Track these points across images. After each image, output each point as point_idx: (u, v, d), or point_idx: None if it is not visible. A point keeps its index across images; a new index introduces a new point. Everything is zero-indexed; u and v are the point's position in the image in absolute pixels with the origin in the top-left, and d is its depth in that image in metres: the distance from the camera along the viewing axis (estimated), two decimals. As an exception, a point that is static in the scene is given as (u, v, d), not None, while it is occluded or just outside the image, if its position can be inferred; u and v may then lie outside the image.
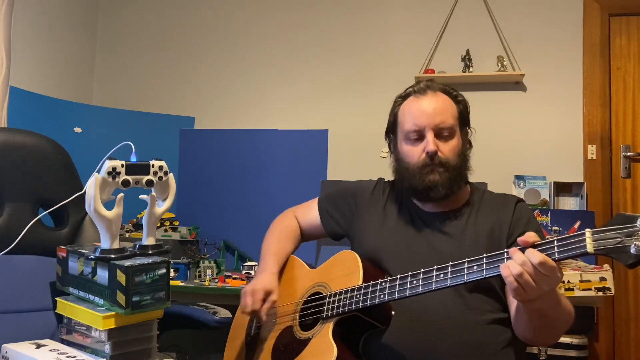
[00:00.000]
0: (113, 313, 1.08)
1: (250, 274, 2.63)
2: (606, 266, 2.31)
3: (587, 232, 0.97)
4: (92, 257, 1.11)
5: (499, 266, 1.06)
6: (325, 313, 1.30)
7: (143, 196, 1.16)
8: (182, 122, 3.56)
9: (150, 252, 1.16)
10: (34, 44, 3.22)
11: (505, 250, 1.08)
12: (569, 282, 2.24)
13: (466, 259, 1.12)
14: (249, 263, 2.73)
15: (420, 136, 1.38)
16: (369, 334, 1.29)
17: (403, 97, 1.45)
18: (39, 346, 1.11)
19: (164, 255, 1.17)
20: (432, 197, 1.36)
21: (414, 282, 1.18)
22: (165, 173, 1.16)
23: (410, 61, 3.36)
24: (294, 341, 1.34)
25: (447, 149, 1.37)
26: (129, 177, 1.11)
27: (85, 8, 3.76)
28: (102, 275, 1.10)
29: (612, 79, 3.20)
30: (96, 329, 1.09)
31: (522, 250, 1.04)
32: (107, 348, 1.08)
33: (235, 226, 3.18)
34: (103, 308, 1.10)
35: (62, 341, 1.18)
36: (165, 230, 2.91)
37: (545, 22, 3.28)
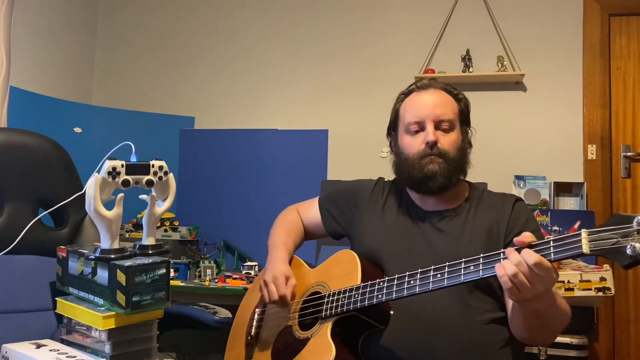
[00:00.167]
0: (113, 313, 1.08)
1: (250, 274, 2.64)
2: (606, 266, 2.31)
3: (584, 233, 0.97)
4: (92, 257, 1.12)
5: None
6: (324, 313, 1.31)
7: (143, 196, 1.16)
8: (182, 122, 3.56)
9: (150, 252, 1.16)
10: (34, 44, 3.22)
11: (502, 250, 1.08)
12: (569, 282, 2.25)
13: (463, 259, 1.13)
14: (249, 263, 2.74)
15: (420, 128, 1.39)
16: (367, 334, 1.29)
17: (406, 93, 1.48)
18: (39, 346, 1.11)
19: (164, 255, 1.17)
20: (431, 186, 1.37)
21: (412, 282, 1.18)
22: (165, 173, 1.16)
23: (410, 61, 3.36)
24: (293, 341, 1.34)
25: (447, 141, 1.38)
26: (129, 177, 1.11)
27: (85, 8, 3.76)
28: (102, 275, 1.10)
29: (612, 79, 3.21)
30: (96, 329, 1.09)
31: (518, 250, 1.04)
32: (107, 348, 1.08)
33: (235, 226, 3.18)
34: (103, 308, 1.10)
35: (62, 341, 1.18)
36: (165, 230, 2.91)
37: (545, 22, 3.28)
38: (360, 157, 3.36)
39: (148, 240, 1.18)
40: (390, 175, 1.54)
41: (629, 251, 0.92)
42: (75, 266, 1.19)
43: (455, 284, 1.13)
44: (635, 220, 0.92)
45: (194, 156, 3.39)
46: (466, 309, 1.28)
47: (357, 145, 3.39)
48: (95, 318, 1.09)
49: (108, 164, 1.10)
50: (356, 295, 1.26)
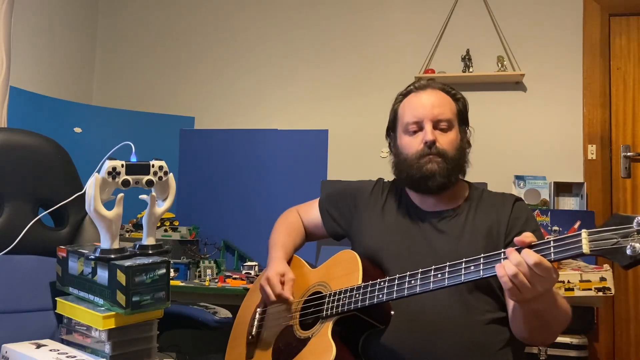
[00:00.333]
0: (113, 313, 1.08)
1: (250, 274, 2.64)
2: (606, 266, 2.31)
3: (584, 233, 0.97)
4: (92, 257, 1.12)
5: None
6: (324, 312, 1.31)
7: (143, 196, 1.16)
8: (182, 122, 3.56)
9: (150, 252, 1.17)
10: (34, 44, 3.22)
11: (502, 250, 1.08)
12: (569, 282, 2.25)
13: (463, 259, 1.13)
14: (249, 263, 2.73)
15: (419, 128, 1.40)
16: (368, 334, 1.29)
17: (404, 94, 1.48)
18: (39, 346, 1.11)
19: (164, 255, 1.17)
20: (430, 186, 1.37)
21: (412, 282, 1.18)
22: (165, 173, 1.16)
23: (410, 61, 3.36)
24: (294, 340, 1.34)
25: (445, 140, 1.38)
26: (129, 177, 1.11)
27: (85, 8, 3.76)
28: (102, 275, 1.10)
29: (612, 79, 3.20)
30: (96, 329, 1.09)
31: (519, 250, 1.04)
32: (107, 348, 1.08)
33: (235, 226, 3.18)
34: (103, 308, 1.10)
35: (62, 341, 1.18)
36: (165, 230, 2.91)
37: (545, 22, 3.28)
38: (360, 157, 3.36)
39: (148, 240, 1.18)
40: (390, 176, 1.54)
41: (629, 251, 0.92)
42: (75, 266, 1.19)
43: (455, 284, 1.13)
44: (635, 220, 0.92)
45: (194, 156, 3.39)
46: (466, 309, 1.28)
47: (357, 145, 3.39)
48: (95, 318, 1.09)
49: (108, 164, 1.10)
50: (357, 295, 1.26)
